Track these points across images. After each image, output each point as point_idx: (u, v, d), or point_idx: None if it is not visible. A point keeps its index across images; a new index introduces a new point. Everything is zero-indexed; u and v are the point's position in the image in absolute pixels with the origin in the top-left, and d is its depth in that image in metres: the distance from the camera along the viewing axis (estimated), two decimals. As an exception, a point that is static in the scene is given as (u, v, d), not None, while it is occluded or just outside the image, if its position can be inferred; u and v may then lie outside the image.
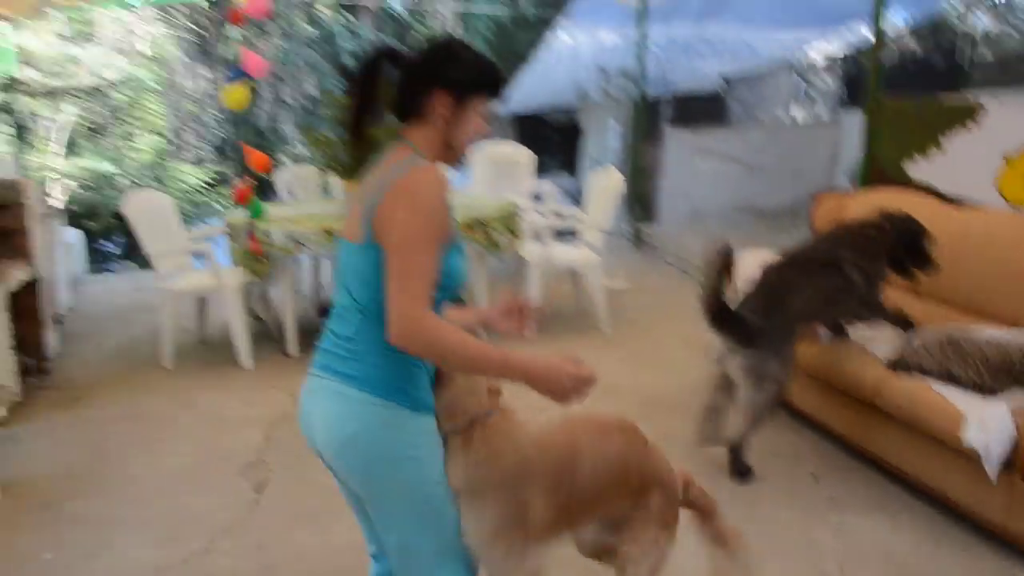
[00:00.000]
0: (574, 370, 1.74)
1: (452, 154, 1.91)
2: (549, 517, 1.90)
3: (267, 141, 15.29)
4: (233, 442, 4.09)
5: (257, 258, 4.96)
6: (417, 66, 1.86)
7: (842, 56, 11.77)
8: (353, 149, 1.93)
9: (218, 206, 14.79)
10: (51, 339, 5.46)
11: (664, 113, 10.66)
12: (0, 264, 4.65)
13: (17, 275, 4.87)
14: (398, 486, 1.82)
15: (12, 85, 7.50)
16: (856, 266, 3.57)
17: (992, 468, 2.83)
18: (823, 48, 11.89)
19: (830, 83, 12.44)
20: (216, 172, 15.21)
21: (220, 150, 16.04)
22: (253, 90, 3.84)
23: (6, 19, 6.14)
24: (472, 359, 1.70)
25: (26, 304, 5.13)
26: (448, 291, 1.86)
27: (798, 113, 12.28)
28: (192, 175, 14.29)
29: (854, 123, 6.36)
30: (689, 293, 6.79)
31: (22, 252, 5.08)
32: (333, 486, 3.51)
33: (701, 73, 11.55)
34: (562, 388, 1.73)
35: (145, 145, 14.02)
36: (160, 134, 14.41)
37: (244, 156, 3.96)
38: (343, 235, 1.89)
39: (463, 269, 1.90)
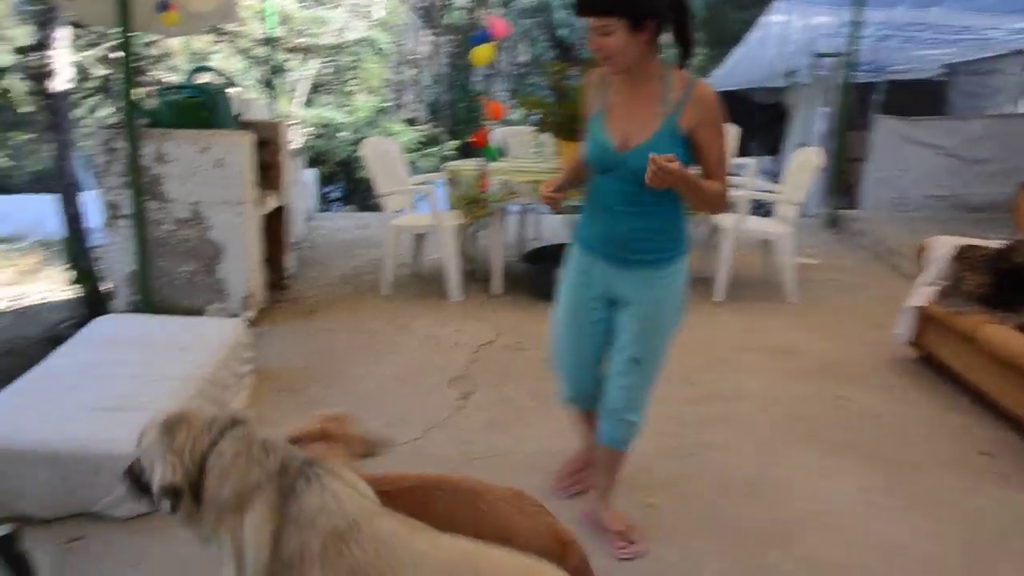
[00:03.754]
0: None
1: None
2: None
3: (478, 104, 16.03)
4: (443, 359, 4.65)
5: (477, 201, 5.50)
6: None
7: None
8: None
9: (424, 163, 15.65)
10: (290, 261, 6.26)
11: (876, 99, 10.37)
12: (259, 193, 5.41)
13: (271, 203, 5.66)
14: None
15: (270, 41, 8.44)
16: None
17: None
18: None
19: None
20: (425, 133, 16.11)
21: (433, 110, 16.98)
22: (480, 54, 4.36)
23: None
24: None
25: (274, 229, 5.93)
26: None
27: (1026, 107, 11.57)
28: (404, 133, 15.24)
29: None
30: (881, 276, 6.81)
31: (276, 184, 5.87)
32: (526, 404, 4.01)
33: (919, 59, 11.13)
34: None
35: (362, 102, 15.11)
36: (376, 93, 15.45)
37: (483, 107, 4.51)
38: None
39: None
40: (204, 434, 1.69)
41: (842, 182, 9.15)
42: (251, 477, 1.61)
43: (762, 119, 14.28)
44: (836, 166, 8.89)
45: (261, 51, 10.55)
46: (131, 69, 4.80)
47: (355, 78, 14.67)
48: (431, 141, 16.39)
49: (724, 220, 5.88)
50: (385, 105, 15.75)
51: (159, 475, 1.67)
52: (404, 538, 1.56)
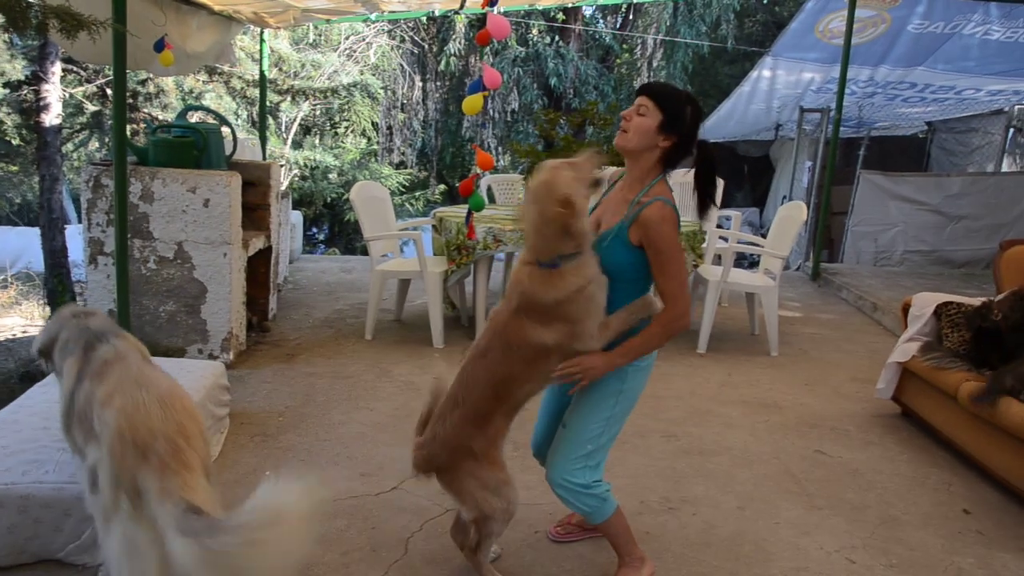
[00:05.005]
0: None
1: None
2: None
3: (467, 150, 16.22)
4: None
5: (461, 249, 5.51)
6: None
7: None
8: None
9: (409, 207, 15.70)
10: (272, 303, 6.24)
11: (859, 154, 10.53)
12: (245, 234, 5.41)
13: (256, 244, 5.65)
14: None
15: (263, 82, 8.49)
16: None
17: None
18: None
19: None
20: (413, 176, 16.18)
21: (422, 155, 17.09)
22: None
23: (269, 27, 7.06)
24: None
25: (258, 270, 5.92)
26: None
27: (1007, 165, 11.77)
28: (392, 177, 15.33)
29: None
30: (863, 331, 6.85)
31: (263, 225, 5.87)
32: (507, 455, 3.95)
33: (903, 117, 11.33)
34: None
35: (351, 145, 15.21)
36: (366, 136, 15.57)
37: (475, 155, 4.52)
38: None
39: None
40: (56, 324, 2.67)
41: (824, 235, 9.24)
42: (69, 346, 2.56)
43: (748, 171, 14.44)
44: (820, 220, 8.99)
45: (253, 92, 10.62)
46: (123, 107, 4.77)
47: (345, 121, 14.79)
48: (418, 185, 16.47)
49: (708, 273, 5.92)
50: (374, 148, 15.85)
51: (35, 344, 2.75)
52: (131, 368, 2.42)
